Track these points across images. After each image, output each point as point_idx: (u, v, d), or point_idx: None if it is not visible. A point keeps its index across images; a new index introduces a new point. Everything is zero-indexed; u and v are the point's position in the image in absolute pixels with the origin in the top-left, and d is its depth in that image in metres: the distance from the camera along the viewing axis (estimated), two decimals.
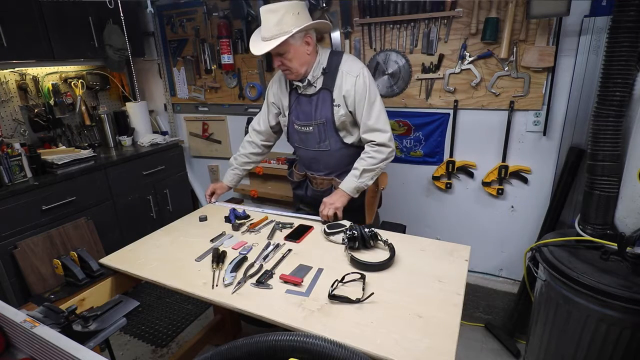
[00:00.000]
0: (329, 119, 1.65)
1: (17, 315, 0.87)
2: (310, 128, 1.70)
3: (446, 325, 1.01)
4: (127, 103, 2.98)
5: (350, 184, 1.63)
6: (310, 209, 1.85)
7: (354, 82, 1.58)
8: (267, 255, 1.39)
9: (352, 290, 1.15)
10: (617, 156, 1.44)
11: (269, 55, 2.54)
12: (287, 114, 1.77)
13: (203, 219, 1.76)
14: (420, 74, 2.19)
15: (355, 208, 1.74)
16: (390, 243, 1.35)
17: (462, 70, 2.08)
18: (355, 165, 1.65)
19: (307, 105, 1.69)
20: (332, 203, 1.61)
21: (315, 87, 1.65)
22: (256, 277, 1.25)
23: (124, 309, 1.21)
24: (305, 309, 1.09)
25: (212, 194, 1.93)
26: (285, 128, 1.82)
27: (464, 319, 2.18)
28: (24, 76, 2.47)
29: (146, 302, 2.64)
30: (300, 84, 1.65)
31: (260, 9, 1.53)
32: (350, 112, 1.63)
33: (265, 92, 1.87)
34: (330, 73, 1.62)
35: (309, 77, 1.63)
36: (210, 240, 1.54)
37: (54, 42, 2.31)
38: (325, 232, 1.50)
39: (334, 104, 1.63)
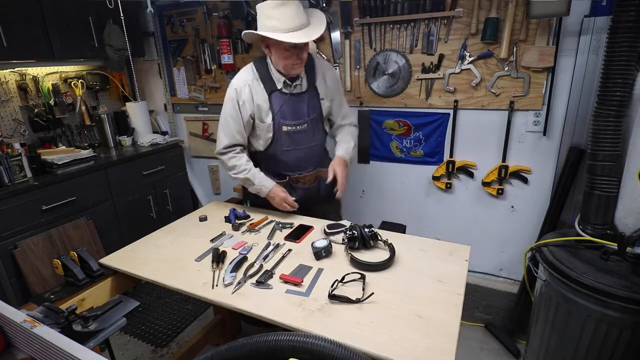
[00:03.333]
0: (319, 114, 1.75)
1: (17, 315, 0.87)
2: (305, 125, 1.71)
3: (446, 325, 1.01)
4: (127, 103, 2.98)
5: (347, 155, 1.80)
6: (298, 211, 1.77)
7: (332, 75, 1.77)
8: (267, 255, 1.39)
9: (352, 290, 1.15)
10: (617, 156, 1.44)
11: None
12: (268, 118, 1.66)
13: (203, 219, 1.76)
14: (420, 74, 2.19)
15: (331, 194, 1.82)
16: (390, 243, 1.35)
17: (462, 70, 2.08)
18: (346, 139, 1.84)
19: (299, 103, 1.69)
20: (343, 174, 1.71)
21: (302, 85, 1.68)
22: (256, 277, 1.25)
23: (124, 309, 1.21)
24: (305, 309, 1.09)
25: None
26: (265, 133, 1.69)
27: (464, 319, 2.17)
28: (24, 76, 2.47)
29: (146, 302, 2.63)
30: (291, 82, 1.65)
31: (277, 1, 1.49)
32: (330, 102, 1.77)
33: (231, 106, 1.66)
34: (311, 71, 1.70)
35: (300, 75, 1.67)
36: (210, 240, 1.54)
37: (54, 42, 2.31)
38: (325, 232, 1.50)
39: (320, 98, 1.73)
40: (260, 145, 1.74)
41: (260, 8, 1.54)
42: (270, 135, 1.69)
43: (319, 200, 1.84)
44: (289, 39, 1.49)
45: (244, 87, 1.64)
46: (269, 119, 1.66)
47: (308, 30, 1.53)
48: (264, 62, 1.67)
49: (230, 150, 1.72)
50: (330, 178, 1.71)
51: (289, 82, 1.64)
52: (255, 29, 1.58)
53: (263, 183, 1.70)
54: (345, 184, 1.73)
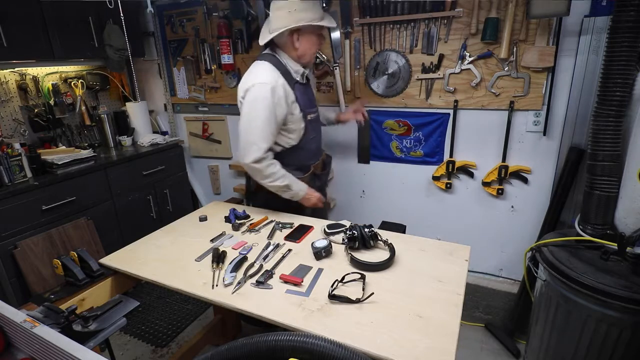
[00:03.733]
0: (316, 100, 1.91)
1: (17, 315, 0.87)
2: (317, 112, 1.86)
3: (446, 325, 1.01)
4: (127, 103, 2.98)
5: None
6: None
7: None
8: (267, 255, 1.39)
9: (352, 290, 1.15)
10: (617, 156, 1.44)
11: None
12: (297, 109, 1.68)
13: (203, 219, 1.76)
14: (420, 74, 2.19)
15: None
16: (390, 243, 1.35)
17: (462, 70, 2.08)
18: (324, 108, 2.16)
19: (310, 92, 1.83)
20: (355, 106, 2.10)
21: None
22: (256, 277, 1.25)
23: (124, 309, 1.21)
24: (305, 309, 1.09)
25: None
26: (298, 125, 1.70)
27: (464, 319, 2.17)
28: (24, 76, 2.47)
29: (146, 302, 2.63)
30: (306, 70, 1.76)
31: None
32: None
33: (265, 106, 1.57)
34: None
35: None
36: (210, 240, 1.54)
37: (54, 42, 2.31)
38: (325, 232, 1.50)
39: (311, 86, 1.91)
40: (293, 139, 1.72)
41: (286, 4, 1.57)
42: (303, 125, 1.72)
43: (325, 184, 2.06)
44: (330, 24, 1.68)
45: (277, 85, 1.59)
46: (297, 110, 1.68)
47: (327, 16, 1.69)
48: (276, 59, 1.66)
49: (264, 159, 1.62)
50: (353, 116, 2.07)
51: (304, 70, 1.75)
52: (257, 28, 1.62)
53: (300, 187, 1.71)
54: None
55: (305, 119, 1.72)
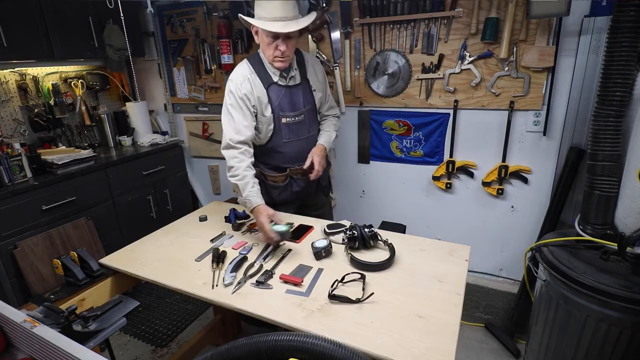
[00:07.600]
0: (313, 104, 1.80)
1: (17, 315, 0.87)
2: (302, 116, 1.76)
3: (446, 325, 1.01)
4: (127, 103, 2.98)
5: (328, 144, 1.83)
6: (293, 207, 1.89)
7: (320, 67, 1.84)
8: (267, 255, 1.39)
9: (352, 290, 1.15)
10: (617, 156, 1.44)
11: None
12: (268, 111, 1.67)
13: (203, 219, 1.76)
14: (420, 74, 2.19)
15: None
16: (390, 243, 1.35)
17: (462, 70, 2.08)
18: (329, 129, 1.88)
19: (296, 95, 1.73)
20: (320, 158, 1.74)
21: (296, 77, 1.73)
22: (256, 277, 1.25)
23: (124, 309, 1.21)
24: (305, 309, 1.09)
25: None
26: (266, 127, 1.69)
27: (464, 319, 2.18)
28: (24, 76, 2.47)
29: (146, 302, 2.63)
30: (286, 74, 1.69)
31: None
32: (320, 93, 1.83)
33: (234, 100, 1.62)
34: (301, 64, 1.76)
35: (293, 67, 1.72)
36: (210, 240, 1.55)
37: (54, 42, 2.31)
38: (325, 232, 1.50)
39: (312, 89, 1.78)
40: (260, 139, 1.73)
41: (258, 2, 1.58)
42: (271, 127, 1.70)
43: (317, 191, 1.93)
44: (264, 26, 1.52)
45: (244, 81, 1.63)
46: (268, 112, 1.67)
47: (289, 23, 1.53)
48: (257, 58, 1.69)
49: (234, 148, 1.61)
50: (307, 164, 1.72)
51: (284, 74, 1.68)
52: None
53: (249, 197, 1.54)
54: (319, 170, 1.74)
55: (276, 122, 1.68)
